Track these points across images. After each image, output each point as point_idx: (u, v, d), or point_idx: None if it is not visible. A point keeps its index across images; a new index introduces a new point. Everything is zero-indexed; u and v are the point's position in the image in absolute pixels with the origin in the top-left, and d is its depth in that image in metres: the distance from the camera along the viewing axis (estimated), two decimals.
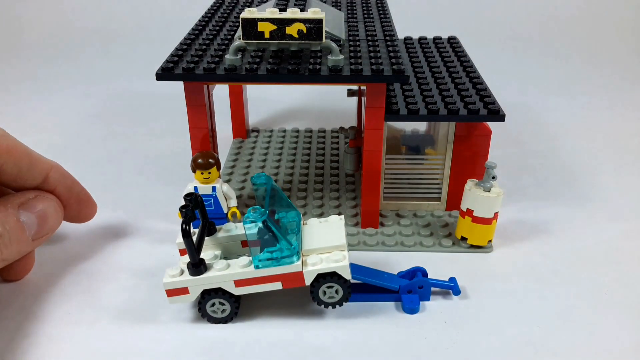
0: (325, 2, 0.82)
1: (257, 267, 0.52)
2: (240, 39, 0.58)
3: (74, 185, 0.63)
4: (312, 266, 0.52)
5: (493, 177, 0.62)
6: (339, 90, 0.88)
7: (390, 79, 0.58)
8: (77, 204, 0.63)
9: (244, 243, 0.57)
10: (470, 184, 0.64)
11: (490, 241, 0.65)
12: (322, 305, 0.55)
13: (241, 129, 0.92)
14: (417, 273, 0.58)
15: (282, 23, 0.56)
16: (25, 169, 0.58)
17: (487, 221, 0.63)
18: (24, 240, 0.56)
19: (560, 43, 1.39)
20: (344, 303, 0.54)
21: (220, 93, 0.89)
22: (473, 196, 0.62)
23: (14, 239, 0.55)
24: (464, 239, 0.65)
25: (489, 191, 0.62)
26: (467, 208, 0.63)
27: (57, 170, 0.61)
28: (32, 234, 0.57)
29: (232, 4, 0.85)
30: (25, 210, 0.57)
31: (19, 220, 0.56)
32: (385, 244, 0.66)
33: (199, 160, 0.61)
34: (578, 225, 0.70)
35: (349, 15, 0.78)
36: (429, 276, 0.59)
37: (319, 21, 0.56)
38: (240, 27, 0.57)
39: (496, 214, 0.63)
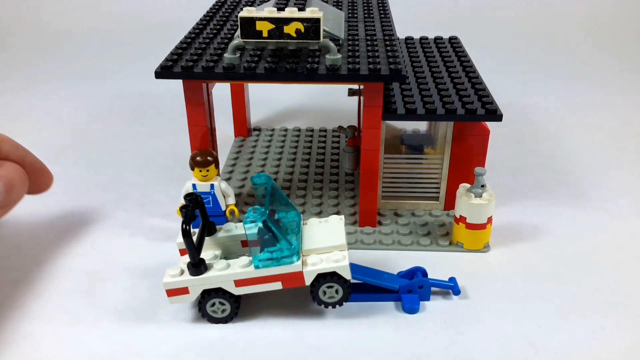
0: (326, 2, 0.82)
1: (257, 267, 0.52)
2: (239, 37, 0.58)
3: (26, 155, 0.59)
4: (312, 266, 0.52)
5: (482, 186, 0.62)
6: (342, 90, 0.87)
7: (387, 78, 0.58)
8: (31, 174, 0.59)
9: (244, 243, 0.57)
10: (461, 190, 0.63)
11: (487, 244, 0.65)
12: (322, 305, 0.55)
13: (242, 127, 0.92)
14: (417, 273, 0.58)
15: (279, 22, 0.56)
16: None
17: (481, 227, 0.63)
18: None
19: (559, 43, 1.39)
20: (344, 303, 0.54)
21: (223, 92, 0.89)
22: (464, 204, 0.62)
23: None
24: (460, 243, 0.65)
25: (480, 197, 0.62)
26: (460, 215, 0.63)
27: (7, 142, 0.58)
28: None
29: (234, 4, 0.85)
30: None
31: None
32: (383, 242, 0.66)
33: (197, 158, 0.61)
34: (577, 225, 0.70)
35: (350, 15, 0.78)
36: (429, 276, 0.59)
37: (317, 20, 0.56)
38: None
39: (490, 218, 0.63)
